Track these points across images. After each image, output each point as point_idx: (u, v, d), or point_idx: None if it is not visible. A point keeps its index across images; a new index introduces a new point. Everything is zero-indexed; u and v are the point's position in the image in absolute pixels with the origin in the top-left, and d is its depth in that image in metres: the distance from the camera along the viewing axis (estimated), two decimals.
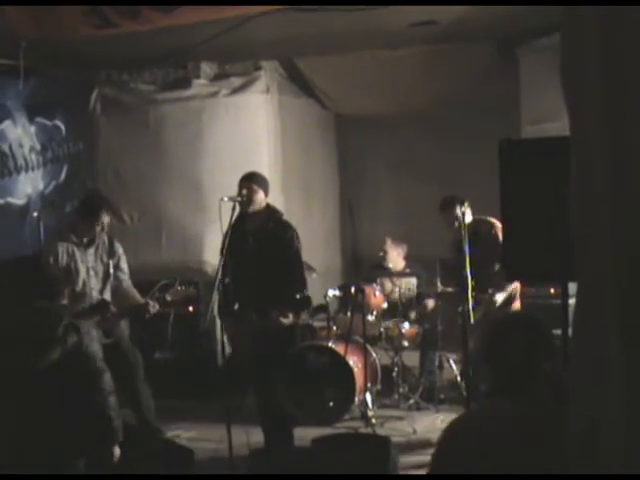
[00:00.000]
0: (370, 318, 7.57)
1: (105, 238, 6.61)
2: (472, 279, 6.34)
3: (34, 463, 4.48)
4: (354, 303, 7.53)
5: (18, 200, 8.14)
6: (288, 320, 5.90)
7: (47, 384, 4.51)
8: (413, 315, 7.94)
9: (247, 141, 8.88)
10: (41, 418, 4.52)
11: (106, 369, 4.69)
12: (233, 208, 5.87)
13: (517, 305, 7.12)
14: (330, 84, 9.50)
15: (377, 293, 7.80)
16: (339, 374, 7.14)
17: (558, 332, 4.02)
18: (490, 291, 6.98)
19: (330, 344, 7.32)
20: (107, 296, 6.52)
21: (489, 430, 2.88)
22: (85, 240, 6.49)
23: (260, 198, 6.06)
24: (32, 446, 4.54)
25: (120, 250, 6.69)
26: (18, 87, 7.83)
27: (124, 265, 6.70)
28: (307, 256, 6.40)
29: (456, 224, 6.64)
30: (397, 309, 7.69)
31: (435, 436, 5.15)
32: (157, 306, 6.34)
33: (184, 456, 6.09)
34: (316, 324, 8.16)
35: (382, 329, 7.71)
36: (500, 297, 6.99)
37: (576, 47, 2.25)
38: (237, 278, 5.96)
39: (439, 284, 7.37)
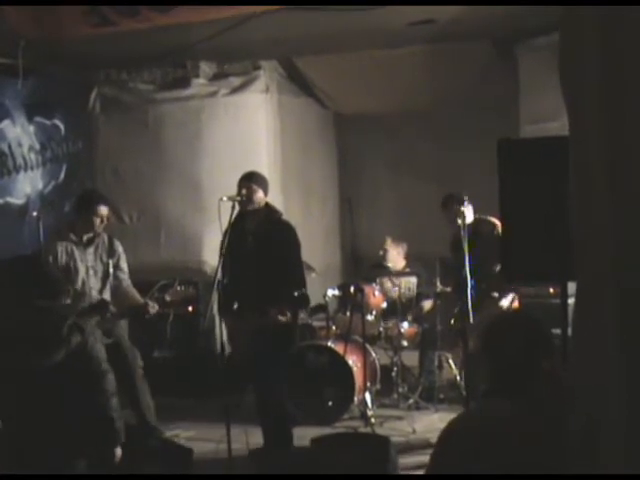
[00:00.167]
0: (369, 318, 7.57)
1: (105, 237, 6.61)
2: (471, 278, 6.35)
3: (36, 463, 4.49)
4: (353, 302, 7.52)
5: (17, 200, 8.14)
6: (286, 318, 5.90)
7: (50, 384, 4.51)
8: (412, 315, 7.94)
9: (246, 140, 8.88)
10: (43, 418, 4.52)
11: (109, 370, 4.69)
12: (232, 207, 5.87)
13: (516, 305, 7.13)
14: (329, 83, 9.50)
15: (376, 292, 7.80)
16: (338, 374, 7.14)
17: (557, 332, 4.02)
18: (495, 294, 6.98)
19: (329, 344, 7.32)
20: (107, 296, 6.52)
21: (488, 430, 2.87)
22: (85, 239, 6.49)
23: (259, 197, 6.06)
24: (34, 446, 4.54)
25: (120, 249, 6.68)
26: (17, 86, 7.83)
27: (124, 265, 6.70)
28: (306, 255, 6.40)
29: (459, 221, 6.66)
30: (396, 309, 7.69)
31: (434, 436, 5.15)
32: (156, 306, 6.34)
33: (183, 455, 6.10)
34: (315, 324, 8.16)
35: (381, 329, 7.71)
36: (505, 302, 6.99)
37: (575, 47, 2.25)
38: (236, 277, 5.96)
39: (438, 284, 7.38)
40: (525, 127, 8.19)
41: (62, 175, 8.73)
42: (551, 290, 6.89)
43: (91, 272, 6.49)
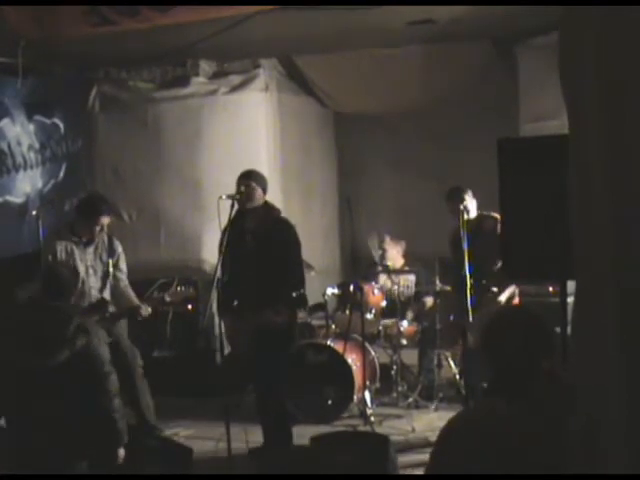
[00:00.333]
0: (369, 316, 7.57)
1: (105, 237, 6.62)
2: (472, 275, 6.35)
3: (38, 463, 4.49)
4: (353, 301, 7.52)
5: (17, 198, 8.14)
6: (282, 318, 5.90)
7: (54, 384, 4.51)
8: (412, 313, 7.94)
9: (246, 139, 8.88)
10: (46, 418, 4.53)
11: (112, 371, 4.70)
12: (232, 206, 5.87)
13: (516, 301, 7.12)
14: (329, 82, 9.50)
15: (376, 291, 7.80)
16: (338, 372, 7.14)
17: (557, 330, 4.02)
18: (494, 290, 6.97)
19: (329, 342, 7.32)
20: (106, 295, 6.53)
21: (488, 429, 2.87)
22: (84, 239, 6.50)
23: (258, 196, 6.07)
24: (36, 446, 4.54)
25: (119, 249, 6.69)
26: (16, 85, 7.82)
27: (123, 265, 6.70)
28: (306, 254, 6.41)
29: (464, 214, 6.69)
30: (396, 307, 7.69)
31: (434, 434, 5.15)
32: (149, 309, 6.35)
33: (183, 454, 6.10)
34: (315, 322, 8.16)
35: (381, 327, 7.71)
36: (504, 297, 6.98)
37: (575, 46, 2.25)
38: (236, 276, 5.97)
39: (438, 282, 7.38)
40: (525, 126, 8.19)
41: (62, 174, 8.73)
42: (550, 289, 6.90)
43: (91, 271, 6.50)
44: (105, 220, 6.49)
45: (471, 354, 6.62)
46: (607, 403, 2.12)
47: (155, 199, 8.93)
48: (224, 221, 5.76)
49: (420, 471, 3.16)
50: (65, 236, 6.48)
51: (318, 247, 9.53)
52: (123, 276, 6.71)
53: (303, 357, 7.23)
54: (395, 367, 7.57)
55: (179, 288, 6.76)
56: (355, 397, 7.14)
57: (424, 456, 3.19)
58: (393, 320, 7.66)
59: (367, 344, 7.36)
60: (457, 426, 3.02)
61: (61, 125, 8.73)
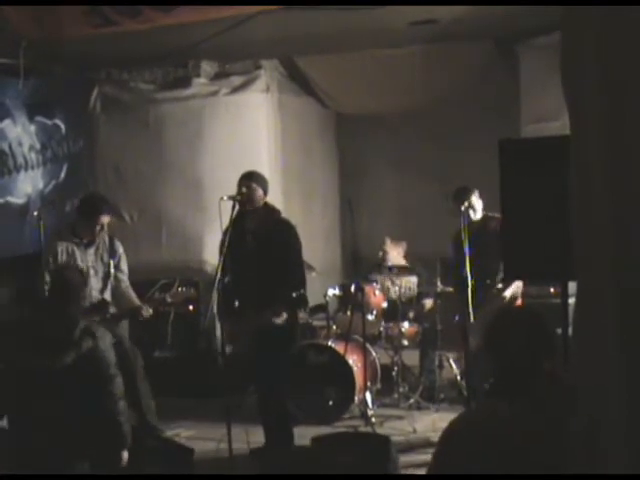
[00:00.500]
0: (370, 317, 7.56)
1: (106, 238, 6.62)
2: (476, 275, 6.35)
3: (41, 464, 4.49)
4: (354, 302, 7.52)
5: (18, 199, 8.15)
6: (281, 319, 5.90)
7: (59, 386, 4.51)
8: (413, 314, 7.93)
9: (247, 140, 8.88)
10: (50, 419, 4.52)
11: (118, 374, 4.70)
12: (233, 207, 5.87)
13: (519, 304, 7.11)
14: (330, 83, 9.50)
15: (377, 292, 7.79)
16: (339, 373, 7.14)
17: (558, 331, 4.02)
18: (499, 286, 6.95)
19: (330, 343, 7.32)
20: (107, 296, 6.53)
21: (490, 430, 2.87)
22: (85, 240, 6.50)
23: (259, 197, 6.07)
24: (39, 447, 4.54)
25: (120, 250, 6.70)
26: (18, 86, 7.83)
27: (124, 266, 6.71)
28: (307, 255, 6.40)
29: (472, 214, 6.69)
30: (397, 308, 7.68)
31: (435, 435, 5.16)
32: (150, 310, 6.35)
33: (184, 455, 6.10)
34: (316, 323, 8.16)
35: (382, 328, 7.71)
36: (509, 292, 6.95)
37: (576, 47, 2.25)
38: (237, 276, 5.97)
39: (439, 283, 7.37)
40: (526, 127, 8.19)
41: (63, 175, 8.73)
42: (552, 290, 6.89)
43: (91, 272, 6.50)
44: (105, 219, 6.49)
45: (473, 355, 6.61)
46: (607, 403, 2.11)
47: (156, 200, 8.94)
48: (225, 222, 5.76)
49: (421, 472, 3.16)
50: (66, 237, 6.48)
51: (319, 248, 9.53)
52: (124, 277, 6.71)
53: (304, 358, 7.23)
54: (396, 368, 7.56)
55: (180, 289, 6.75)
56: (356, 398, 7.14)
57: (425, 457, 3.19)
58: (394, 321, 7.66)
59: (368, 345, 7.36)
60: (459, 427, 3.02)
61: (62, 126, 8.73)
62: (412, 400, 7.45)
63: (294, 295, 5.91)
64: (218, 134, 8.85)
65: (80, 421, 4.55)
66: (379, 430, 6.87)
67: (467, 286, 6.33)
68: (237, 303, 6.04)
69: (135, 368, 6.57)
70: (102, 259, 6.57)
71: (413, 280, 8.01)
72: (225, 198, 5.83)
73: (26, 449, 4.57)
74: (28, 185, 8.27)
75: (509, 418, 2.86)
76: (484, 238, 6.67)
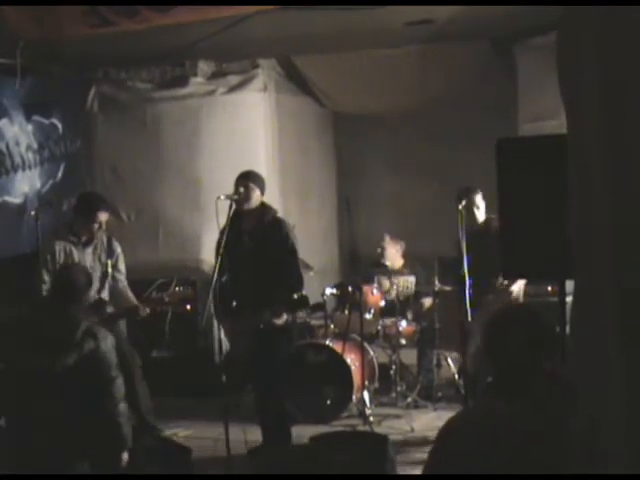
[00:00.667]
0: (368, 316, 7.57)
1: (104, 237, 6.61)
2: (476, 275, 6.34)
3: (40, 465, 4.49)
4: (352, 301, 7.53)
5: (15, 199, 8.14)
6: (281, 320, 5.90)
7: (60, 387, 4.51)
8: (411, 313, 7.93)
9: (245, 139, 8.88)
10: (50, 420, 4.52)
11: (119, 375, 4.70)
12: (230, 206, 5.88)
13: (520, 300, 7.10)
14: (327, 82, 9.50)
15: (375, 291, 7.79)
16: (337, 372, 7.14)
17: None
18: (504, 282, 6.91)
19: (328, 342, 7.33)
20: (104, 296, 6.53)
21: (488, 429, 2.87)
22: (83, 239, 6.50)
23: (256, 196, 6.07)
24: (40, 448, 4.54)
25: (118, 250, 6.69)
26: (15, 86, 7.82)
27: (122, 265, 6.70)
28: (304, 254, 6.41)
29: (477, 214, 6.69)
30: (395, 307, 7.69)
31: (433, 434, 5.15)
32: (148, 310, 6.34)
33: (182, 454, 6.10)
34: (314, 322, 8.16)
35: (380, 327, 7.71)
36: (516, 287, 6.90)
37: (573, 46, 2.25)
38: (234, 276, 5.97)
39: (437, 282, 7.38)
40: (524, 126, 8.19)
41: (60, 174, 8.73)
42: (549, 288, 6.89)
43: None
44: (103, 216, 6.48)
45: (472, 354, 6.61)
46: (607, 403, 2.12)
47: (154, 199, 8.93)
48: (222, 221, 5.76)
49: (419, 471, 3.16)
50: (64, 236, 6.47)
51: (317, 247, 9.53)
52: (122, 277, 6.71)
53: (302, 357, 7.24)
54: (394, 367, 7.57)
55: (178, 288, 6.76)
56: (354, 397, 7.14)
57: (423, 456, 3.18)
58: (392, 320, 7.67)
59: (366, 344, 7.36)
60: (457, 426, 3.02)
61: (59, 125, 8.72)
62: (410, 399, 7.45)
63: (295, 296, 5.90)
64: (215, 133, 8.85)
65: (80, 422, 4.54)
66: (377, 429, 6.88)
67: (472, 284, 6.33)
68: (234, 303, 6.04)
69: (133, 368, 6.57)
70: (100, 259, 6.57)
71: (411, 279, 8.01)
72: (222, 198, 5.83)
73: (26, 449, 4.56)
74: (25, 185, 8.27)
75: (508, 417, 2.86)
76: (487, 240, 6.66)
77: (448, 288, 7.25)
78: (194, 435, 6.90)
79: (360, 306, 7.30)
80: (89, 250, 6.52)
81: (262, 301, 5.88)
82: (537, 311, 3.15)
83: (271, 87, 9.17)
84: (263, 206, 6.15)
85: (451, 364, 7.45)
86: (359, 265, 8.47)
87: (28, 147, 8.31)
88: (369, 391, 7.30)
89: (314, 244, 9.37)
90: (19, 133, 8.17)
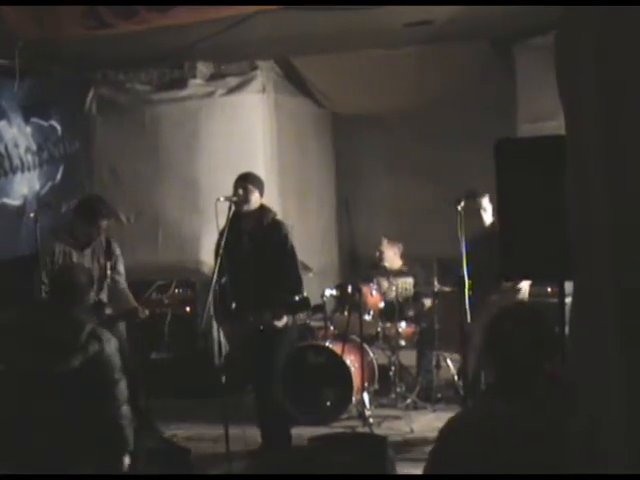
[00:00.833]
0: (367, 317, 7.57)
1: (103, 239, 6.61)
2: (482, 278, 6.33)
3: (42, 466, 4.48)
4: (351, 302, 7.53)
5: (14, 201, 8.13)
6: (281, 322, 5.89)
7: (64, 389, 4.50)
8: (410, 314, 7.93)
9: (243, 141, 8.88)
10: (53, 422, 4.51)
11: (122, 378, 4.68)
12: (229, 208, 5.88)
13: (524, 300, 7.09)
14: (326, 83, 9.50)
15: (374, 292, 7.80)
16: (336, 374, 7.14)
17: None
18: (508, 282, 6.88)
19: (327, 344, 7.33)
20: (103, 297, 6.52)
21: (488, 429, 2.87)
22: (82, 241, 6.49)
23: (255, 198, 6.07)
24: (41, 449, 4.53)
25: (117, 251, 6.69)
26: (13, 87, 7.81)
27: (121, 267, 6.70)
28: (303, 255, 6.41)
29: (484, 216, 6.69)
30: (394, 308, 7.69)
31: (432, 435, 5.15)
32: (147, 312, 6.34)
33: (181, 456, 6.10)
34: (313, 324, 8.16)
35: (379, 328, 7.71)
36: (525, 283, 6.87)
37: (572, 47, 2.25)
38: (233, 278, 5.97)
39: (436, 283, 7.37)
40: (523, 126, 8.19)
41: (59, 176, 8.72)
42: (549, 289, 6.89)
43: None
44: (104, 222, 6.49)
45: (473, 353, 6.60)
46: (607, 403, 2.11)
47: (153, 201, 8.93)
48: (222, 223, 5.77)
49: (419, 472, 3.15)
50: (63, 238, 6.47)
51: (316, 248, 9.53)
52: (121, 278, 6.70)
53: (302, 358, 7.23)
54: (393, 368, 7.57)
55: (177, 290, 6.75)
56: (354, 398, 7.14)
57: (423, 457, 3.17)
58: (391, 321, 7.66)
59: (366, 345, 7.36)
60: (457, 426, 3.02)
61: (58, 127, 8.72)
62: (409, 400, 7.45)
63: (297, 298, 5.90)
64: (214, 135, 8.85)
65: (83, 424, 4.54)
66: (377, 430, 6.87)
67: (465, 286, 6.32)
68: (234, 304, 6.04)
69: (132, 370, 6.56)
70: (98, 261, 6.57)
71: (409, 280, 8.01)
72: (221, 199, 5.84)
73: (27, 450, 4.55)
74: (24, 186, 8.25)
75: (508, 417, 2.86)
76: (494, 242, 6.64)
77: (447, 289, 7.25)
78: (194, 436, 6.90)
79: (359, 307, 7.30)
80: (88, 252, 6.51)
81: (261, 303, 5.88)
82: (540, 311, 3.14)
83: (270, 88, 9.17)
84: (262, 208, 6.16)
85: (450, 365, 7.44)
86: (358, 266, 8.47)
87: (27, 149, 8.30)
88: (369, 392, 7.30)
89: (313, 245, 9.38)
90: (18, 135, 8.16)
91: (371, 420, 7.05)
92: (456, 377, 7.35)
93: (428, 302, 7.85)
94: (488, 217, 7.00)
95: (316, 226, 10.02)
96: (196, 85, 8.95)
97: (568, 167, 2.32)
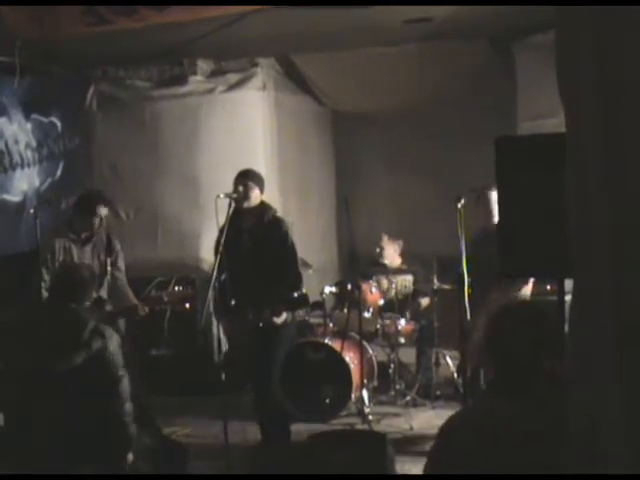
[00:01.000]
0: (366, 315, 7.57)
1: (103, 235, 6.61)
2: (487, 275, 6.33)
3: (47, 466, 4.48)
4: (350, 300, 7.53)
5: (14, 197, 8.15)
6: (281, 319, 5.90)
7: (67, 386, 4.50)
8: (409, 312, 7.93)
9: (244, 138, 8.88)
10: (56, 420, 4.51)
11: (125, 375, 4.69)
12: (229, 205, 5.88)
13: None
14: (326, 81, 9.50)
15: (373, 290, 7.80)
16: (336, 371, 7.15)
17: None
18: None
19: (326, 341, 7.33)
20: (103, 294, 6.52)
21: (488, 428, 2.87)
22: (83, 236, 6.49)
23: (255, 195, 6.07)
24: (45, 447, 4.53)
25: (118, 247, 6.69)
26: (14, 84, 7.82)
27: (121, 263, 6.70)
28: (303, 253, 6.41)
29: (494, 210, 6.68)
30: (393, 306, 7.69)
31: (432, 432, 5.15)
32: (147, 309, 6.34)
33: (180, 452, 6.10)
34: (313, 321, 8.16)
35: (378, 326, 7.71)
36: (527, 290, 6.87)
37: (572, 45, 2.25)
38: (233, 275, 5.97)
39: (436, 281, 7.38)
40: (523, 124, 8.18)
41: (59, 172, 8.73)
42: (548, 287, 6.89)
43: None
44: (103, 211, 6.48)
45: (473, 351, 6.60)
46: (607, 403, 2.11)
47: (153, 197, 8.93)
48: (221, 220, 5.77)
49: (418, 469, 3.15)
50: (63, 233, 6.47)
51: (316, 246, 9.54)
52: (121, 275, 6.70)
53: (301, 355, 7.24)
54: (393, 365, 7.58)
55: (177, 287, 6.76)
56: (353, 396, 7.15)
57: (422, 454, 3.18)
58: (391, 318, 7.67)
59: (365, 342, 7.37)
60: (457, 424, 3.01)
61: (58, 124, 8.72)
62: (409, 397, 7.46)
63: (296, 295, 5.90)
64: (214, 132, 8.85)
65: (86, 422, 4.54)
66: (376, 427, 6.88)
67: (464, 284, 6.32)
68: (233, 301, 6.04)
69: (131, 366, 6.56)
70: (99, 256, 6.57)
71: (409, 278, 8.02)
72: (221, 196, 5.84)
73: (28, 449, 4.55)
74: (24, 183, 8.27)
75: (508, 417, 2.86)
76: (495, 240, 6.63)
77: (447, 286, 7.25)
78: (193, 433, 6.90)
79: (359, 304, 7.30)
80: (88, 248, 6.51)
81: (261, 300, 5.88)
82: (541, 310, 3.14)
83: (270, 85, 9.17)
84: (263, 205, 6.16)
85: (450, 363, 7.45)
86: (358, 263, 8.47)
87: (27, 145, 8.31)
88: (368, 389, 7.30)
89: (313, 242, 9.38)
90: (18, 131, 8.17)
91: (370, 417, 7.05)
92: (455, 374, 7.36)
93: (427, 300, 7.85)
94: (497, 215, 6.97)
95: (316, 224, 10.02)
96: (196, 82, 8.95)
97: (568, 165, 2.32)
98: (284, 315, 5.89)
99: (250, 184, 6.03)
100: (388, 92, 9.26)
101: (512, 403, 2.87)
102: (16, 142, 8.15)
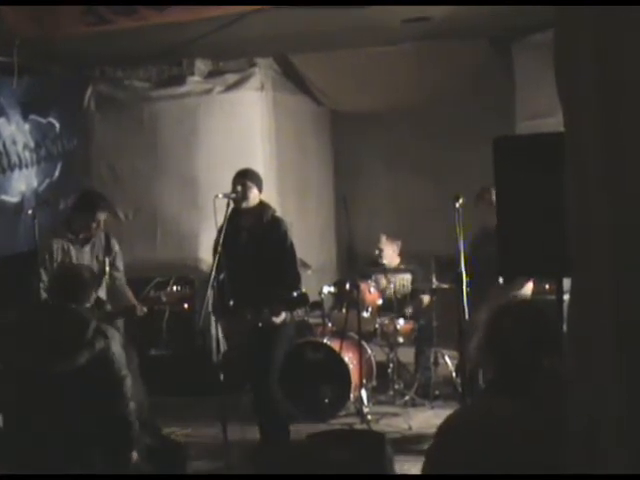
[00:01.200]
0: (365, 314, 7.57)
1: (102, 236, 6.61)
2: (487, 275, 6.33)
3: (48, 464, 4.47)
4: (349, 299, 7.53)
5: (12, 198, 8.14)
6: (280, 319, 5.90)
7: (71, 387, 4.49)
8: (408, 311, 7.94)
9: (242, 138, 8.88)
10: (59, 421, 4.51)
11: (128, 374, 4.69)
12: (227, 205, 5.88)
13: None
14: (325, 81, 9.50)
15: (372, 289, 7.80)
16: (334, 371, 7.15)
17: None
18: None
19: (325, 340, 7.33)
20: (102, 294, 6.52)
21: (487, 427, 2.86)
22: (81, 237, 6.49)
23: (254, 195, 6.07)
24: (49, 447, 4.52)
25: (116, 248, 6.69)
26: (12, 85, 7.81)
27: (120, 263, 6.70)
28: (302, 252, 6.40)
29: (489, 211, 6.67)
30: (392, 305, 7.69)
31: (430, 432, 5.15)
32: (145, 309, 6.33)
33: (179, 453, 6.09)
34: (311, 321, 8.16)
35: (377, 325, 7.71)
36: (528, 289, 6.87)
37: (570, 45, 2.25)
38: (232, 275, 5.97)
39: (434, 280, 7.38)
40: (521, 124, 8.19)
41: (57, 173, 8.72)
42: (547, 286, 6.89)
43: None
44: (102, 215, 6.47)
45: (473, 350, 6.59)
46: (607, 403, 2.11)
47: (151, 198, 8.93)
48: (220, 220, 5.77)
49: (417, 469, 3.15)
50: (61, 234, 6.46)
51: (314, 245, 9.54)
52: (120, 275, 6.70)
53: (300, 356, 7.24)
54: (392, 365, 7.58)
55: (175, 287, 6.75)
56: (352, 395, 7.15)
57: (421, 454, 3.18)
58: (390, 318, 7.67)
59: (364, 342, 7.37)
60: (456, 424, 3.01)
61: (57, 124, 8.72)
62: (407, 397, 7.46)
63: (295, 294, 5.90)
64: (213, 132, 8.85)
65: (91, 421, 4.54)
66: (375, 427, 6.88)
67: (463, 283, 6.32)
68: (232, 301, 6.04)
69: (130, 367, 6.56)
70: (97, 257, 6.56)
71: (407, 277, 8.03)
72: (220, 196, 5.84)
73: (30, 450, 4.55)
74: (22, 184, 8.26)
75: (507, 416, 2.85)
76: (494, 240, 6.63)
77: (446, 286, 7.25)
78: (192, 433, 6.90)
79: (358, 304, 7.30)
80: (87, 248, 6.51)
81: (260, 300, 5.88)
82: (541, 308, 3.13)
83: (268, 86, 9.17)
84: (262, 204, 6.15)
85: (448, 362, 7.45)
86: (356, 263, 8.47)
87: (25, 146, 8.30)
88: (367, 389, 7.30)
89: (312, 242, 9.38)
90: (16, 132, 8.17)
91: (369, 417, 7.06)
92: (454, 374, 7.36)
93: (426, 299, 7.85)
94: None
95: (315, 224, 10.02)
96: (194, 82, 8.95)
97: (567, 164, 2.32)
98: (283, 315, 5.89)
99: (248, 184, 6.03)
100: (387, 92, 9.26)
101: (511, 402, 2.86)
102: (14, 143, 8.14)
